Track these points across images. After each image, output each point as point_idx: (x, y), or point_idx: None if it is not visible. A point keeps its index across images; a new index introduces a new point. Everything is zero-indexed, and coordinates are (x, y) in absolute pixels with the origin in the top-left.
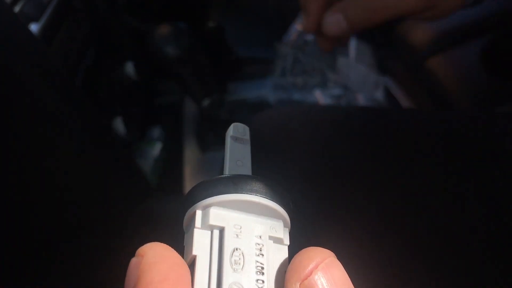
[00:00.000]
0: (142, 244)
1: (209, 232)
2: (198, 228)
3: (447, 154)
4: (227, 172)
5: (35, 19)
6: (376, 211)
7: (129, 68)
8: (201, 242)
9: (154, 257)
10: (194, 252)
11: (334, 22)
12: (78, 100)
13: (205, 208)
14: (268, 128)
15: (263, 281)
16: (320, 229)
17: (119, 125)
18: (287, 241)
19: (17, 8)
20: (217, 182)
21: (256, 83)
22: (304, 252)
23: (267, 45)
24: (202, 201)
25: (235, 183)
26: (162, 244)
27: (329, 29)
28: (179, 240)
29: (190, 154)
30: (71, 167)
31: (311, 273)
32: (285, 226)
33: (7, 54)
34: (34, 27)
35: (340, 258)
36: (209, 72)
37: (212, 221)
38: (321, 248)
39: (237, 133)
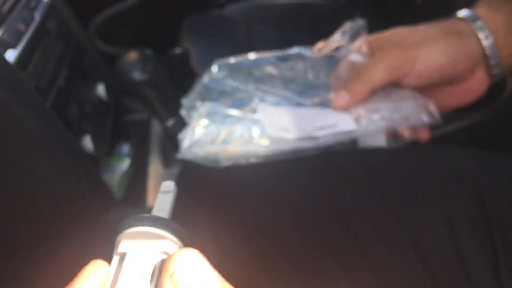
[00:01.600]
0: (104, 252)
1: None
2: (115, 254)
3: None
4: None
5: (13, 46)
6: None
7: (100, 89)
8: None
9: (87, 268)
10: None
11: (340, 98)
12: (48, 119)
13: (119, 241)
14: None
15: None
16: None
17: (88, 142)
18: None
19: None
20: (130, 220)
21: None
22: (173, 254)
23: None
24: (120, 234)
25: (141, 220)
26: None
27: (338, 104)
28: None
29: (154, 169)
30: (39, 178)
31: (176, 268)
32: (179, 246)
33: None
34: (11, 53)
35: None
36: (173, 95)
37: (119, 250)
38: (185, 248)
39: (165, 188)
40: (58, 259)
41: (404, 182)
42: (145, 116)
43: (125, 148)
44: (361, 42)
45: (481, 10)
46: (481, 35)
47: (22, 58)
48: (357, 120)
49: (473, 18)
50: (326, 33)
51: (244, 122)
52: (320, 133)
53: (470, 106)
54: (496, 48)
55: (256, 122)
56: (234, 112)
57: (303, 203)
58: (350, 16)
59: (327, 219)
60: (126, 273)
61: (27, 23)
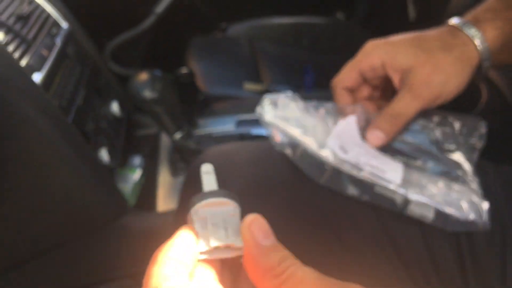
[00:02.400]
0: (120, 252)
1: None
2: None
3: None
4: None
5: (38, 69)
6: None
7: (114, 106)
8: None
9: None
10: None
11: (374, 137)
12: (70, 133)
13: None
14: (216, 161)
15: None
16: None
17: (104, 154)
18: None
19: (24, 61)
20: (200, 196)
21: (221, 118)
22: (249, 216)
23: (236, 84)
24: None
25: (210, 194)
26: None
27: (374, 143)
28: (149, 247)
29: (163, 178)
30: (62, 186)
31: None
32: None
33: (17, 100)
34: (37, 76)
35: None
36: (180, 111)
37: (200, 215)
38: (253, 214)
39: (206, 169)
40: (79, 259)
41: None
42: (154, 130)
43: (137, 159)
44: None
45: (471, 18)
46: (477, 42)
47: (46, 80)
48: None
49: (468, 26)
50: (325, 50)
51: (323, 125)
52: (367, 168)
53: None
54: (489, 53)
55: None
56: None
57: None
58: (347, 34)
59: (312, 215)
60: (212, 233)
61: (50, 49)
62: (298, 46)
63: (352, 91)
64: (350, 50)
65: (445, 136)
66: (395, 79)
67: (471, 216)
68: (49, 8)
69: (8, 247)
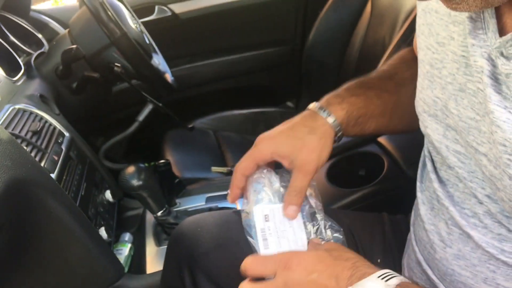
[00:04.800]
0: None
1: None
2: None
3: None
4: None
5: (52, 172)
6: None
7: (107, 194)
8: None
9: None
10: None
11: (291, 211)
12: (78, 215)
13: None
14: (189, 228)
15: None
16: None
17: (103, 232)
18: None
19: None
20: None
21: (194, 196)
22: None
23: (205, 168)
24: None
25: None
26: None
27: (292, 216)
28: None
29: (150, 247)
30: (72, 257)
31: None
32: None
33: (42, 194)
34: (52, 176)
35: None
36: (161, 193)
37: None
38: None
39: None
40: None
41: None
42: (140, 211)
43: (127, 236)
44: None
45: (333, 107)
46: (335, 127)
47: (58, 178)
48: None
49: (322, 109)
50: None
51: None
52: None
53: (364, 183)
54: (340, 127)
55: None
56: None
57: None
58: None
59: None
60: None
61: (58, 155)
62: (256, 132)
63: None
64: None
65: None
66: (285, 163)
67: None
68: (55, 122)
69: None
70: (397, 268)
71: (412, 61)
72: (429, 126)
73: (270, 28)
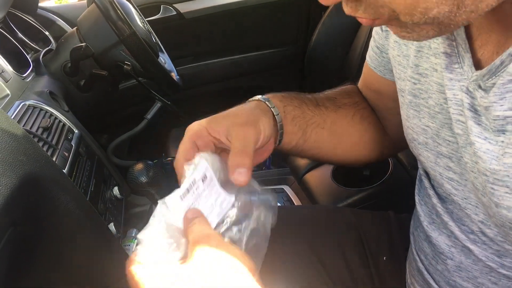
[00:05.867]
0: None
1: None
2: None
3: None
4: None
5: (63, 168)
6: None
7: (115, 191)
8: None
9: None
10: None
11: (239, 174)
12: (90, 210)
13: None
14: None
15: None
16: None
17: (112, 227)
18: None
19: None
20: None
21: None
22: None
23: None
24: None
25: None
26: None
27: (241, 180)
28: None
29: None
30: (84, 252)
31: None
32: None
33: (55, 189)
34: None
35: None
36: (168, 190)
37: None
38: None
39: None
40: None
41: (318, 231)
42: (146, 207)
43: (134, 232)
44: None
45: (269, 96)
46: (274, 111)
47: (69, 174)
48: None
49: (267, 99)
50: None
51: None
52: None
53: (370, 183)
54: (282, 124)
55: None
56: None
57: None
58: None
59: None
60: None
61: (68, 151)
62: None
63: None
64: None
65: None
66: (222, 139)
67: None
68: (64, 119)
69: None
70: (402, 267)
71: (353, 93)
72: (421, 153)
73: (273, 29)
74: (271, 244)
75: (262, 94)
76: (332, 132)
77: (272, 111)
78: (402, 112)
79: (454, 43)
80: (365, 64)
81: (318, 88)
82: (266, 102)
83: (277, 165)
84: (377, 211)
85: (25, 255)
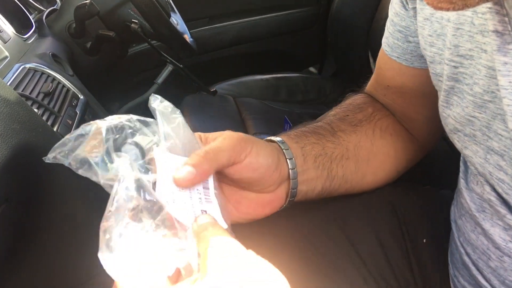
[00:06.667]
0: None
1: None
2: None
3: None
4: None
5: None
6: None
7: None
8: None
9: None
10: None
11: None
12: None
13: None
14: None
15: None
16: None
17: None
18: None
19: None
20: None
21: None
22: None
23: None
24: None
25: None
26: None
27: (184, 179)
28: None
29: None
30: (85, 231)
31: None
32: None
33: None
34: None
35: None
36: None
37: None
38: None
39: None
40: None
41: (351, 209)
42: None
43: None
44: None
45: (284, 138)
46: (287, 155)
47: None
48: None
49: (281, 141)
50: (300, 102)
51: None
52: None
53: None
54: (296, 171)
55: None
56: None
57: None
58: (319, 87)
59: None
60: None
61: (73, 119)
62: (277, 99)
63: None
64: (321, 102)
65: None
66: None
67: None
68: (68, 84)
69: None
70: (445, 254)
71: (363, 104)
72: (467, 146)
73: None
74: (299, 221)
75: (282, 59)
76: (357, 160)
77: (282, 148)
78: (440, 98)
79: (506, 19)
80: (379, 57)
81: (343, 52)
82: (280, 144)
83: None
84: (416, 185)
85: (20, 233)
